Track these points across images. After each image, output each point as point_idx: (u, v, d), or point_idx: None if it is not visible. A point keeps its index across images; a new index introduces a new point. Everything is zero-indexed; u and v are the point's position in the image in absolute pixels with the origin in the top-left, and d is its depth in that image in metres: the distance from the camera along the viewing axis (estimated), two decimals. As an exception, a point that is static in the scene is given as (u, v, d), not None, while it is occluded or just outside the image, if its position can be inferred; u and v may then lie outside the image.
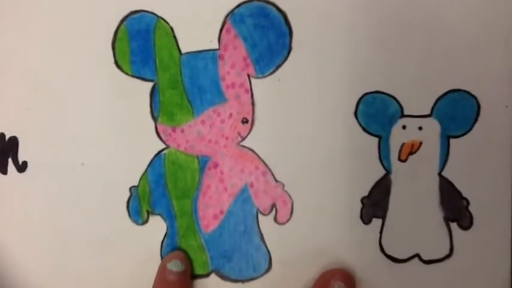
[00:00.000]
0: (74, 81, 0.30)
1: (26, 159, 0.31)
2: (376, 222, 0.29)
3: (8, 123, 0.31)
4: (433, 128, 0.28)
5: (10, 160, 0.31)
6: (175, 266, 0.28)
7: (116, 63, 0.30)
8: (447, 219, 0.28)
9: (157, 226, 0.30)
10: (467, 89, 0.28)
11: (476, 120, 0.28)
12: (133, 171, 0.30)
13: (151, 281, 0.30)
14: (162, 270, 0.29)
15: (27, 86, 0.31)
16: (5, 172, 0.31)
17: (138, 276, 0.30)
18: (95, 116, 0.30)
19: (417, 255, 0.29)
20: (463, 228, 0.28)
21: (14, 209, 0.31)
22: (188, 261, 0.30)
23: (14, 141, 0.31)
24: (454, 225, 0.28)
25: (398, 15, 0.28)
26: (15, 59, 0.30)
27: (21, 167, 0.31)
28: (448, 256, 0.28)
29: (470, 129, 0.28)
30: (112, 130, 0.30)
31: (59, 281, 0.31)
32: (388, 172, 0.29)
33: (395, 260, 0.29)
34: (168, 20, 0.29)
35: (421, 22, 0.28)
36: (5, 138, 0.31)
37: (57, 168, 0.30)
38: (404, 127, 0.28)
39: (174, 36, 0.29)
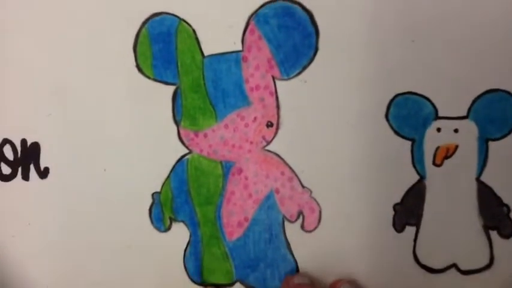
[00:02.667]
0: (94, 85, 0.30)
1: (47, 166, 0.30)
2: (410, 230, 0.28)
3: (29, 129, 0.31)
4: (470, 130, 0.27)
5: (32, 166, 0.31)
6: None
7: (138, 66, 0.29)
8: (486, 227, 0.27)
9: (180, 233, 0.30)
10: (506, 88, 0.27)
11: (516, 121, 0.27)
12: (155, 177, 0.30)
13: (173, 288, 0.29)
14: None
15: (47, 92, 0.30)
16: (27, 178, 0.31)
17: (161, 284, 0.30)
18: (117, 121, 0.30)
19: (454, 265, 0.28)
20: (503, 237, 0.27)
21: (35, 216, 0.31)
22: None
23: (35, 147, 0.30)
24: (494, 234, 0.27)
25: (430, 11, 0.27)
26: (35, 65, 0.30)
27: (43, 173, 0.31)
28: (488, 266, 0.27)
29: (510, 131, 0.27)
30: (134, 135, 0.30)
31: (81, 289, 0.31)
32: (422, 177, 0.28)
33: (430, 270, 0.28)
34: (190, 22, 0.29)
35: (455, 17, 0.27)
36: (26, 144, 0.31)
37: (78, 175, 0.30)
38: (439, 130, 0.27)
39: (196, 39, 0.29)
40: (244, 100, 0.29)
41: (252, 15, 0.28)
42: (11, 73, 0.30)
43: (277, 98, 0.28)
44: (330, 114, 0.28)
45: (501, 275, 0.27)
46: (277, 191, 0.29)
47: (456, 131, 0.27)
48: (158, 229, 0.30)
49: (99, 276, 0.30)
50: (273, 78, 0.28)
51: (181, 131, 0.29)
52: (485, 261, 0.27)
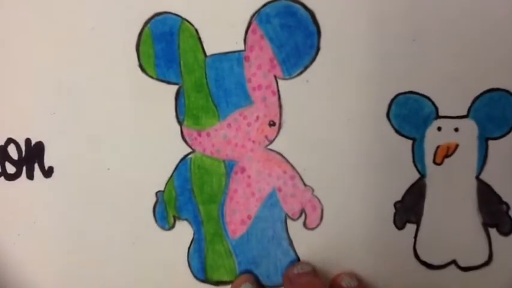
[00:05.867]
0: (98, 85, 0.30)
1: (51, 165, 0.31)
2: (410, 228, 0.28)
3: (33, 129, 0.31)
4: (470, 129, 0.27)
5: (36, 165, 0.31)
6: None
7: (141, 66, 0.29)
8: (486, 225, 0.28)
9: (184, 231, 0.30)
10: (506, 87, 0.27)
11: (516, 120, 0.27)
12: (159, 176, 0.30)
13: (177, 286, 0.30)
14: None
15: (51, 91, 0.30)
16: (31, 177, 0.31)
17: (165, 281, 0.30)
18: (120, 120, 0.30)
19: (454, 262, 0.28)
20: (502, 234, 0.28)
21: (40, 215, 0.31)
22: (256, 281, 0.29)
23: (39, 146, 0.31)
24: (493, 231, 0.28)
25: (431, 10, 0.27)
26: (39, 64, 0.30)
27: (47, 172, 0.31)
28: (487, 263, 0.28)
29: (510, 130, 0.27)
30: (137, 135, 0.30)
31: (85, 286, 0.31)
32: (422, 176, 0.28)
33: (430, 266, 0.28)
34: (192, 22, 0.29)
35: (456, 17, 0.27)
36: (31, 144, 0.31)
37: (83, 174, 0.30)
38: (439, 129, 0.27)
39: (199, 38, 0.29)
40: (246, 99, 0.29)
41: (254, 14, 0.28)
42: (15, 72, 0.30)
43: (279, 97, 0.29)
44: (331, 113, 0.28)
45: (500, 271, 0.27)
46: (280, 189, 0.29)
47: (456, 130, 0.27)
48: (162, 227, 0.30)
49: (104, 274, 0.31)
50: (275, 77, 0.28)
51: (185, 131, 0.29)
52: (484, 257, 0.28)
